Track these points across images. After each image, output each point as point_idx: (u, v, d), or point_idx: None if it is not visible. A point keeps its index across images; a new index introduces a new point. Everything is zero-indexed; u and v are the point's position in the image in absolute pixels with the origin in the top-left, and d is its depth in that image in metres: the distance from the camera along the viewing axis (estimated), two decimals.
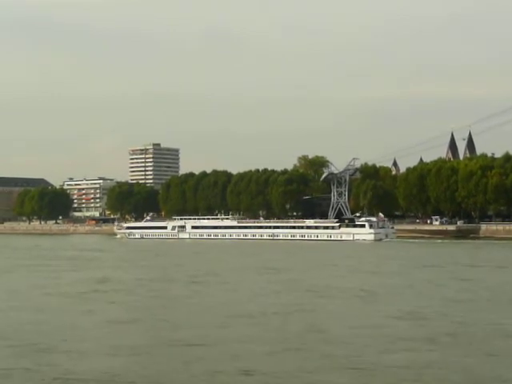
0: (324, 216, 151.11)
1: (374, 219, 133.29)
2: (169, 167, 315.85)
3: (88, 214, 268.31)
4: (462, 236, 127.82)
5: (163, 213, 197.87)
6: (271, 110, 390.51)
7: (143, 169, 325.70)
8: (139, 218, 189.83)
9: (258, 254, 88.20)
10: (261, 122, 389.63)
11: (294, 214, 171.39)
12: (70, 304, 38.85)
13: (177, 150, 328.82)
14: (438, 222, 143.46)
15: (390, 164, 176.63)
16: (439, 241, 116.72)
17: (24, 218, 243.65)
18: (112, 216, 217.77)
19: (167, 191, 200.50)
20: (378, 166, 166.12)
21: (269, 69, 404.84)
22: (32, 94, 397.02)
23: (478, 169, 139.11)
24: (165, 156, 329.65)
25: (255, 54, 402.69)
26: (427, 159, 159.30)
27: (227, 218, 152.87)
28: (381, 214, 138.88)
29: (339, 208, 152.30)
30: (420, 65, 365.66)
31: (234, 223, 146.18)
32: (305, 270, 62.94)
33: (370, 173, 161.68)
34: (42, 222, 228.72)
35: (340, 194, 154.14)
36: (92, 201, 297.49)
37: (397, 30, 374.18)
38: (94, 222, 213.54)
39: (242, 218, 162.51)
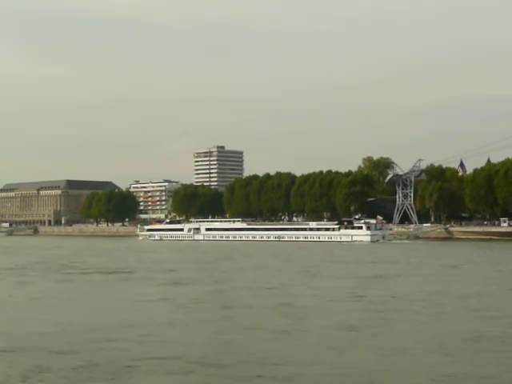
0: (389, 218, 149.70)
1: (372, 221, 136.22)
2: (233, 169, 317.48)
3: (154, 216, 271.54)
4: None
5: (227, 215, 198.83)
6: (335, 110, 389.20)
7: (208, 171, 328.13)
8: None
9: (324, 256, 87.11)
10: (324, 121, 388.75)
11: (359, 215, 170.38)
12: None
13: (241, 153, 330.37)
14: (506, 224, 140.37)
15: (456, 165, 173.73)
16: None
17: (91, 220, 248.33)
18: (177, 218, 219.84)
19: (231, 193, 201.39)
20: (444, 167, 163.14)
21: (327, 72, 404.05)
22: (99, 97, 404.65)
23: None
24: (229, 158, 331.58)
25: (323, 55, 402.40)
26: (495, 160, 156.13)
27: (238, 221, 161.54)
28: (379, 217, 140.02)
29: (405, 210, 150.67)
30: (482, 64, 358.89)
31: (244, 225, 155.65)
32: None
33: (436, 174, 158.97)
34: (109, 225, 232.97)
35: (405, 196, 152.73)
36: (158, 203, 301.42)
37: (457, 30, 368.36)
38: (158, 223, 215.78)
39: (304, 220, 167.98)
